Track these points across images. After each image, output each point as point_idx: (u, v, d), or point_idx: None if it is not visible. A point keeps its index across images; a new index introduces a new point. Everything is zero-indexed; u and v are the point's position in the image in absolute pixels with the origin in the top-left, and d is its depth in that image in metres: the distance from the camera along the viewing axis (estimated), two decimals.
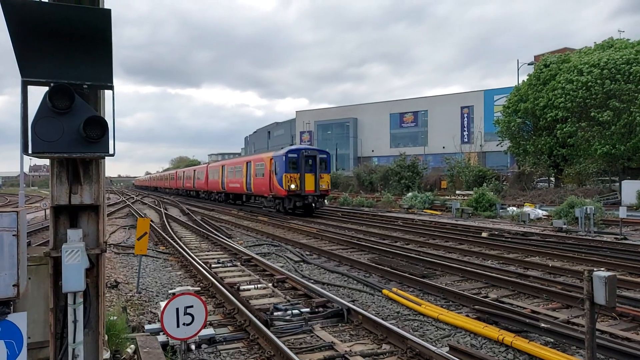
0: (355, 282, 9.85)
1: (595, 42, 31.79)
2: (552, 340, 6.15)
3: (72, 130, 3.18)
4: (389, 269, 10.70)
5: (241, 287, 9.07)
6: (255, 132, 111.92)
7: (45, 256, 3.52)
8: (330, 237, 16.50)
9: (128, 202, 41.45)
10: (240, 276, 10.32)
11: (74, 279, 3.33)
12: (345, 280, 10.03)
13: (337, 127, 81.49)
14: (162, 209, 29.94)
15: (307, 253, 13.62)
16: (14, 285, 3.30)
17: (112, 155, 3.48)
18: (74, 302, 3.43)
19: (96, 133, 3.18)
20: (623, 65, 26.79)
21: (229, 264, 11.60)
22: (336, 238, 16.12)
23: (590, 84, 27.42)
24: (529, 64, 40.43)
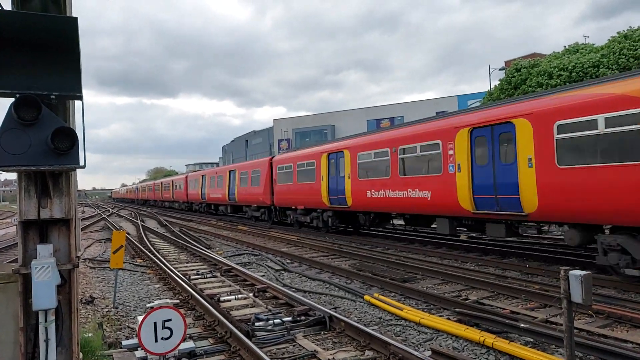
0: (337, 289, 9.81)
1: (565, 46, 32.78)
2: (532, 340, 6.22)
3: (39, 142, 3.08)
4: (370, 274, 10.71)
5: (221, 298, 8.92)
6: (232, 141, 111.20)
7: (14, 273, 3.39)
8: (311, 244, 16.44)
9: (104, 215, 40.53)
10: (220, 287, 10.17)
11: (44, 296, 3.22)
12: (327, 288, 9.98)
13: (315, 134, 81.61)
14: (139, 221, 29.36)
15: (288, 261, 13.53)
16: None
17: (83, 167, 3.39)
18: (46, 320, 3.31)
19: (65, 145, 3.09)
20: (590, 69, 27.67)
21: (208, 275, 11.42)
22: (317, 245, 16.07)
23: (559, 87, 28.24)
24: (500, 69, 41.34)
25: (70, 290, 3.61)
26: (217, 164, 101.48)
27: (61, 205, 3.49)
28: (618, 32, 28.57)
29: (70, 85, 3.19)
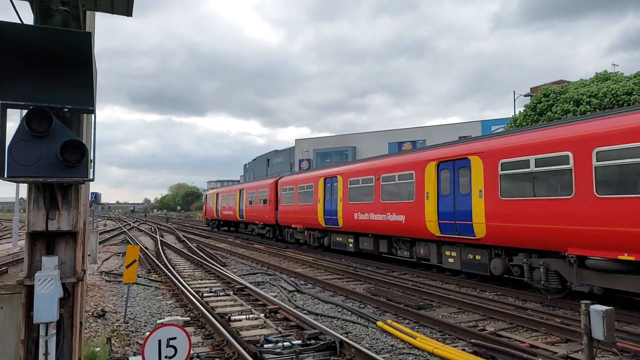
0: (349, 313, 9.60)
1: (596, 73, 32.21)
2: None
3: (49, 154, 3.10)
4: (384, 299, 10.46)
5: (232, 318, 8.82)
6: (254, 159, 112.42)
7: (19, 284, 3.39)
8: (326, 266, 16.24)
9: (124, 229, 41.11)
10: (232, 306, 10.07)
11: (46, 308, 3.19)
12: (339, 311, 9.78)
13: (335, 155, 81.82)
14: (157, 236, 29.64)
15: (302, 282, 13.36)
16: None
17: (92, 180, 3.40)
18: (46, 334, 3.28)
19: (74, 157, 3.10)
20: (623, 96, 27.08)
21: (221, 293, 11.35)
22: (332, 267, 15.86)
23: (588, 113, 27.67)
24: (525, 96, 40.92)
25: (73, 303, 3.58)
26: (239, 182, 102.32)
27: (69, 217, 3.50)
28: None
29: (83, 99, 3.23)
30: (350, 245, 18.84)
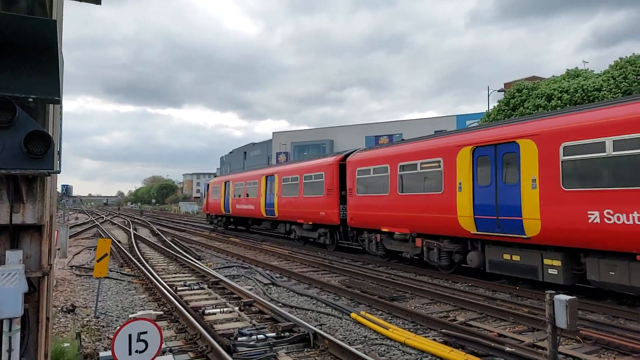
0: (324, 305, 9.68)
1: (567, 70, 33.02)
2: None
3: (13, 145, 3.02)
4: (358, 291, 10.58)
5: (206, 311, 8.78)
6: (231, 152, 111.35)
7: None
8: (302, 259, 16.29)
9: (97, 222, 40.26)
10: (206, 299, 10.02)
11: (9, 304, 3.12)
12: (314, 304, 9.85)
13: (313, 148, 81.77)
14: (131, 230, 29.16)
15: (278, 275, 13.38)
16: None
17: (58, 172, 3.33)
18: (10, 329, 3.20)
19: (39, 149, 3.03)
20: (593, 92, 27.87)
21: (195, 287, 11.27)
22: (308, 260, 15.92)
23: (559, 108, 28.40)
24: (498, 91, 41.60)
25: (39, 298, 3.51)
26: (215, 175, 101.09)
27: (34, 210, 3.41)
28: (621, 58, 28.85)
29: (49, 89, 3.14)
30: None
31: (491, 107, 38.49)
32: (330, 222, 18.07)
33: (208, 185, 34.19)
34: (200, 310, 8.73)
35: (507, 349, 6.30)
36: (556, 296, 5.12)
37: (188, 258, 15.77)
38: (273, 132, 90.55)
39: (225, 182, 30.09)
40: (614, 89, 26.86)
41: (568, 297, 5.05)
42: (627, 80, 26.78)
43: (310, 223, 19.73)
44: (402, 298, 10.21)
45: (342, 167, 17.84)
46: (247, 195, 25.89)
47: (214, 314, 8.72)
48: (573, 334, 6.98)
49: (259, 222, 26.12)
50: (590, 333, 7.11)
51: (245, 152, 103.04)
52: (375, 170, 15.61)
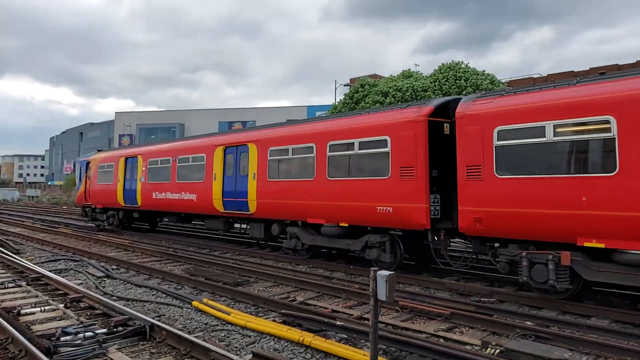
0: (164, 295, 9.29)
1: (402, 70, 36.70)
2: (345, 336, 6.70)
3: None
4: (203, 279, 10.40)
5: (22, 311, 7.72)
6: (64, 132, 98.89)
7: None
8: (144, 248, 15.35)
9: None
10: (23, 298, 8.81)
11: None
12: (153, 295, 9.39)
13: (162, 131, 77.17)
14: None
15: (114, 267, 12.39)
16: None
17: None
18: None
19: None
20: (421, 92, 31.51)
21: (10, 285, 9.81)
22: (150, 249, 15.06)
23: (392, 104, 31.50)
24: (345, 85, 44.44)
25: None
26: (43, 157, 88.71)
27: None
28: (443, 63, 32.94)
29: None
30: None
31: (338, 99, 40.98)
32: (407, 224, 10.45)
33: (87, 163, 23.96)
34: (15, 311, 7.64)
35: (338, 323, 6.86)
36: (379, 272, 5.74)
37: (2, 252, 13.62)
38: (116, 112, 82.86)
39: (128, 159, 20.81)
40: (437, 90, 30.71)
41: (388, 273, 5.68)
42: (447, 83, 30.90)
43: (340, 225, 12.02)
44: (247, 283, 10.35)
45: (432, 125, 10.30)
46: (183, 178, 17.49)
47: (33, 313, 7.73)
48: (392, 305, 7.92)
49: (202, 218, 17.84)
50: (407, 303, 8.15)
51: (81, 133, 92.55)
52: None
